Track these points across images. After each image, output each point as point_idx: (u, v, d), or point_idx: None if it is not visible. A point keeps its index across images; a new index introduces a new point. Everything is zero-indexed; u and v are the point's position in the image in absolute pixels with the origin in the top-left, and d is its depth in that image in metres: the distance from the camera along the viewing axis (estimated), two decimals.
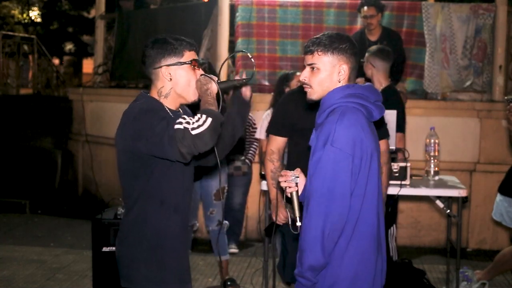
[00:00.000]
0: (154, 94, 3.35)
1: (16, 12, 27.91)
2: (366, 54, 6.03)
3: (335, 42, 3.14)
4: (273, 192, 4.63)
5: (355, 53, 3.16)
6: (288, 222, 3.27)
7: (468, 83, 8.50)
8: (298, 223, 3.19)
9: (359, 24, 8.48)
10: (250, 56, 3.75)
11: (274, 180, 4.60)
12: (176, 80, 3.30)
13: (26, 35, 18.60)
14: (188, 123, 2.96)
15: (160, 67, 3.30)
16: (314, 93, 3.20)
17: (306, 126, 4.41)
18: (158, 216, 3.32)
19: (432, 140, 6.02)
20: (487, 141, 8.20)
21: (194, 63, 3.32)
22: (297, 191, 3.25)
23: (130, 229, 3.35)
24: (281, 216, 4.51)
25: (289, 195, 3.28)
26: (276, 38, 8.75)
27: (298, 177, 3.25)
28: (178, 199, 3.40)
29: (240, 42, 8.74)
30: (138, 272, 3.32)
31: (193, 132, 2.93)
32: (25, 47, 15.98)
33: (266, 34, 8.75)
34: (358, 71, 3.33)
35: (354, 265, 3.05)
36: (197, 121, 2.97)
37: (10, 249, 7.90)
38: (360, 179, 3.00)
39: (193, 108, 3.56)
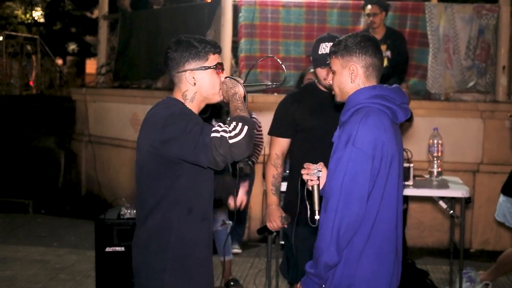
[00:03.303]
0: (178, 96, 3.29)
1: (19, 12, 27.93)
2: None
3: (343, 43, 3.17)
4: (271, 198, 4.55)
5: (367, 51, 3.13)
6: (307, 215, 3.27)
7: (471, 84, 8.49)
8: (317, 217, 3.20)
9: (362, 24, 8.48)
10: (280, 62, 3.70)
11: (275, 186, 4.54)
12: (200, 84, 3.26)
13: (29, 35, 18.63)
14: (225, 131, 2.93)
15: (184, 71, 3.24)
16: (336, 96, 3.24)
17: (309, 127, 4.40)
18: (186, 225, 3.23)
19: (435, 141, 6.02)
20: (490, 142, 8.19)
21: (219, 67, 3.28)
22: (318, 185, 3.26)
23: (152, 237, 3.24)
24: (275, 225, 4.51)
25: (310, 188, 3.29)
26: (279, 39, 8.75)
27: (320, 171, 3.27)
28: (206, 207, 3.34)
29: (243, 43, 8.75)
30: (162, 282, 3.21)
31: (231, 141, 2.90)
32: (28, 47, 15.99)
33: (269, 35, 8.75)
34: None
35: (371, 265, 3.06)
36: (233, 129, 2.93)
37: (13, 249, 7.92)
38: (379, 180, 3.02)
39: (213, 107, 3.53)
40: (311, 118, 4.38)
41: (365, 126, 2.99)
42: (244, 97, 3.21)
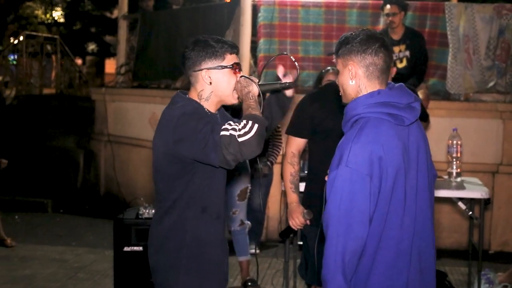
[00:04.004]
0: (194, 96, 3.28)
1: (39, 12, 28.06)
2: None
3: (343, 41, 3.01)
4: (291, 196, 4.53)
5: (366, 50, 2.92)
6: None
7: (491, 84, 8.43)
8: None
9: (381, 24, 8.44)
10: (294, 60, 3.65)
11: (293, 184, 4.52)
12: (216, 84, 3.23)
13: (49, 35, 18.65)
14: (234, 129, 2.88)
15: (200, 70, 3.22)
16: (343, 97, 3.08)
17: (329, 127, 4.35)
18: (199, 224, 3.24)
19: (455, 141, 5.98)
20: (510, 143, 8.14)
21: (236, 67, 3.24)
22: None
23: (167, 237, 3.26)
24: (297, 222, 4.47)
25: None
26: (298, 39, 8.74)
27: None
28: (219, 205, 3.34)
29: (262, 43, 8.74)
30: (177, 280, 3.24)
31: (240, 140, 2.85)
32: (48, 47, 16.05)
33: (288, 35, 8.74)
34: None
35: (381, 282, 2.86)
36: (243, 127, 2.88)
37: (32, 248, 7.96)
38: (382, 199, 2.80)
39: (233, 111, 3.49)
40: (330, 119, 4.34)
41: (358, 143, 2.79)
42: (259, 95, 3.17)
